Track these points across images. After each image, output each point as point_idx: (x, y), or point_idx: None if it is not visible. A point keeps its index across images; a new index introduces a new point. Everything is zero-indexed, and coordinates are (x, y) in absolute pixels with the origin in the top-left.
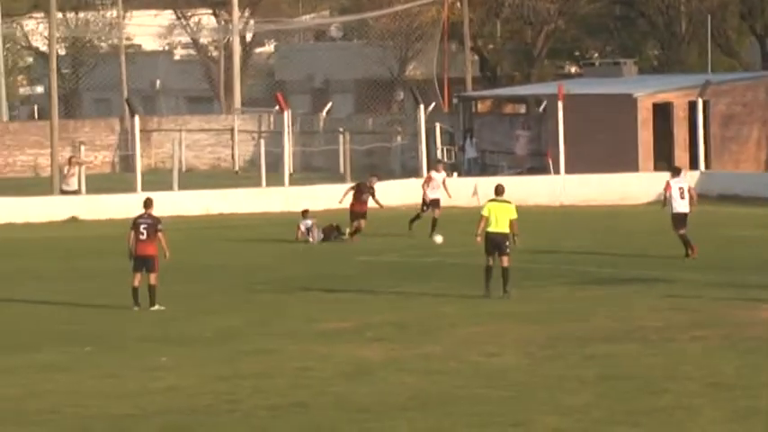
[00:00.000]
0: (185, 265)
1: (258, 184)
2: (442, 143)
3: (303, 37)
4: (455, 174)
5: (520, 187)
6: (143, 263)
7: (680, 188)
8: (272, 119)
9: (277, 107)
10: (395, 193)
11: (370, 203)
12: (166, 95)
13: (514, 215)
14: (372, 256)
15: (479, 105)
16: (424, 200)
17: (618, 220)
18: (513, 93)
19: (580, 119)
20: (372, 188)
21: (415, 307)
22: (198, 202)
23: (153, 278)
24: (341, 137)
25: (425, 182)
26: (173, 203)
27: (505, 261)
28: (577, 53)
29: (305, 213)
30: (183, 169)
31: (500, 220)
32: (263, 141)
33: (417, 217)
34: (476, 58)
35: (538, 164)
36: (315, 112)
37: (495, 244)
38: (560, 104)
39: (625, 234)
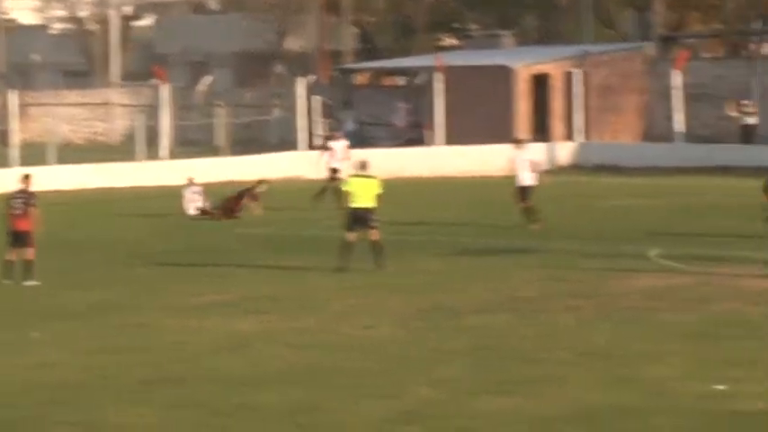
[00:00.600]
0: (61, 240)
1: (136, 159)
2: (321, 116)
3: (182, 10)
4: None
5: (398, 159)
6: (18, 238)
7: (524, 160)
8: (150, 93)
9: (156, 81)
10: (272, 166)
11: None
12: (44, 70)
13: (379, 190)
14: (249, 229)
15: (359, 78)
16: (330, 168)
17: (496, 192)
18: (392, 65)
19: (459, 91)
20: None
21: (291, 280)
22: (75, 177)
23: (30, 253)
24: (218, 110)
25: (326, 152)
26: (50, 178)
27: (374, 235)
28: (457, 25)
29: (190, 181)
30: (61, 143)
31: (363, 195)
32: (141, 115)
33: (323, 190)
34: (355, 30)
35: (417, 136)
36: (194, 85)
37: (357, 219)
38: (439, 76)
39: (503, 205)
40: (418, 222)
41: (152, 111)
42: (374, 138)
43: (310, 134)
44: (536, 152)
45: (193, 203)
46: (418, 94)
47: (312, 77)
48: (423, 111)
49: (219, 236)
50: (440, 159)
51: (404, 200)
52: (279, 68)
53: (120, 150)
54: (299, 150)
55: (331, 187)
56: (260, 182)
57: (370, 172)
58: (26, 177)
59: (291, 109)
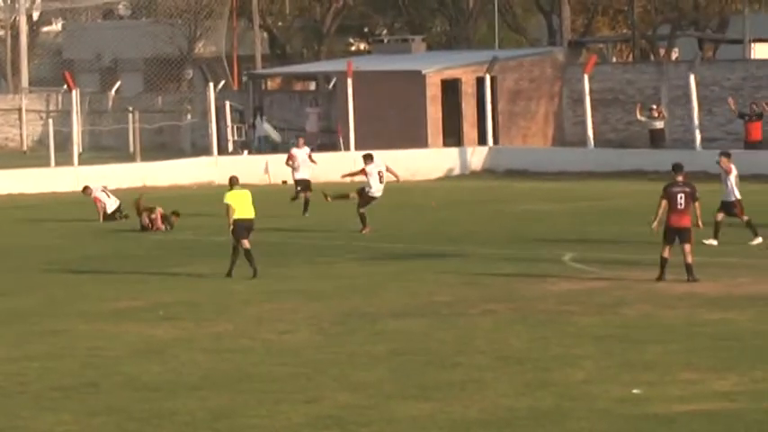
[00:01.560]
0: None
1: (47, 164)
2: (232, 121)
3: (91, 15)
4: (246, 152)
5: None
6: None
7: (378, 172)
8: (60, 98)
9: (65, 86)
10: (185, 172)
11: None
12: None
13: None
14: (165, 236)
15: (269, 83)
16: (295, 181)
17: (409, 196)
18: (302, 70)
19: (370, 95)
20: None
21: (207, 286)
22: None
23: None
24: (130, 116)
25: (288, 160)
26: None
27: (246, 244)
28: (366, 30)
29: (86, 190)
30: None
31: (245, 207)
32: (51, 121)
33: (294, 199)
34: (265, 35)
35: (329, 140)
36: (104, 90)
37: (245, 228)
38: (350, 81)
39: (416, 209)
40: (333, 229)
41: (63, 116)
42: (286, 143)
43: (221, 139)
44: (448, 156)
45: (109, 201)
46: (329, 99)
47: (223, 83)
48: (334, 116)
49: (134, 242)
50: (351, 164)
51: (318, 205)
52: (189, 74)
53: (32, 156)
54: (212, 156)
55: (303, 198)
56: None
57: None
58: None
59: (203, 114)
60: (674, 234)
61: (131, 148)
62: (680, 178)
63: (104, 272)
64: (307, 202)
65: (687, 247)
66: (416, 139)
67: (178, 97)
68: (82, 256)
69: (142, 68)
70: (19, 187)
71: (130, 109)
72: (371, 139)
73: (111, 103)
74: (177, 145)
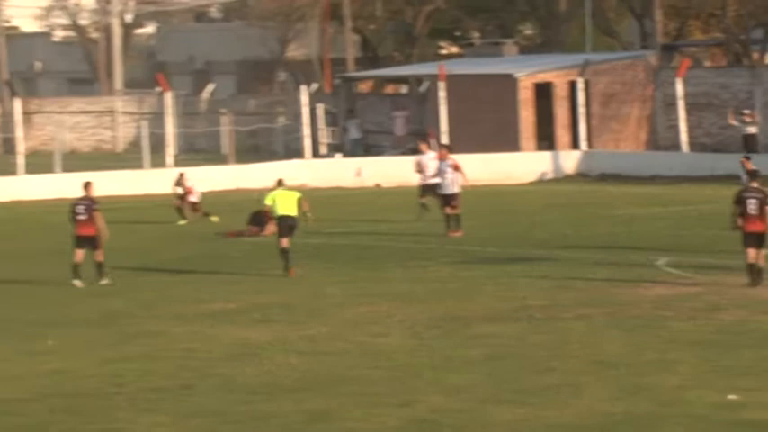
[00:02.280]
0: (69, 248)
1: (141, 166)
2: (325, 124)
3: (183, 18)
4: (338, 155)
5: (402, 167)
6: (83, 242)
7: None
8: (153, 100)
9: (159, 88)
10: (278, 175)
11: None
12: (46, 78)
13: (298, 195)
14: (257, 238)
15: (361, 86)
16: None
17: (502, 200)
18: (394, 73)
19: (462, 99)
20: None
21: (302, 288)
22: (81, 185)
23: (98, 255)
24: (223, 118)
25: (416, 168)
26: (55, 186)
27: (285, 243)
28: (458, 33)
29: (182, 177)
30: (66, 151)
31: (287, 205)
32: (144, 123)
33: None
34: (357, 38)
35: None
36: (196, 93)
37: (287, 226)
38: (442, 84)
39: (509, 214)
40: (426, 233)
41: (156, 118)
42: (378, 146)
43: (313, 142)
44: (541, 160)
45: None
46: (421, 103)
47: (315, 85)
48: (426, 119)
49: (228, 244)
50: None
51: (412, 208)
52: (282, 76)
53: (125, 158)
54: (305, 158)
55: (425, 204)
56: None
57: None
58: (87, 185)
59: (295, 117)
60: (751, 238)
61: (224, 151)
62: (754, 185)
63: (199, 273)
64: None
65: (759, 251)
66: (509, 143)
67: (270, 100)
68: (176, 258)
69: (234, 71)
70: (113, 189)
71: (223, 111)
72: (463, 142)
73: (203, 106)
74: (270, 147)
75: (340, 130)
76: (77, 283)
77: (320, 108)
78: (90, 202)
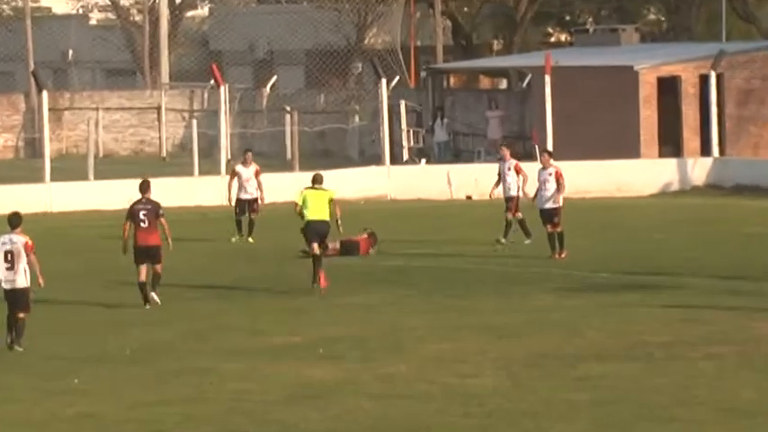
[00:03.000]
0: (105, 268)
1: (190, 173)
2: (407, 124)
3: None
4: (423, 160)
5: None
6: (146, 254)
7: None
8: (205, 95)
9: (212, 81)
10: (352, 184)
11: None
12: (80, 67)
13: (332, 197)
14: (328, 259)
15: (452, 79)
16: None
17: (617, 215)
18: (491, 64)
19: (572, 95)
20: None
21: (377, 319)
22: (118, 194)
23: (159, 269)
24: (287, 117)
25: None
26: (88, 196)
27: (316, 248)
28: (568, 18)
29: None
30: (101, 155)
31: (318, 207)
32: (195, 122)
33: (509, 226)
34: (447, 23)
35: (522, 149)
36: (257, 87)
37: (315, 231)
38: (548, 78)
39: (626, 231)
40: (528, 254)
41: (209, 117)
42: (470, 152)
43: (394, 145)
44: (665, 169)
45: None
46: (522, 100)
47: (396, 79)
48: (529, 119)
49: (294, 265)
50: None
51: (582, 225)
52: (358, 68)
53: (172, 163)
54: (383, 165)
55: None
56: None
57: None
58: (146, 185)
59: (373, 116)
60: None
61: (288, 155)
62: None
63: (256, 298)
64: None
65: None
66: (626, 148)
67: (344, 96)
68: (232, 281)
69: (302, 61)
70: (158, 199)
71: (288, 109)
72: (572, 147)
73: (265, 102)
74: (342, 152)
75: (426, 131)
76: (148, 307)
77: (403, 105)
78: (154, 206)
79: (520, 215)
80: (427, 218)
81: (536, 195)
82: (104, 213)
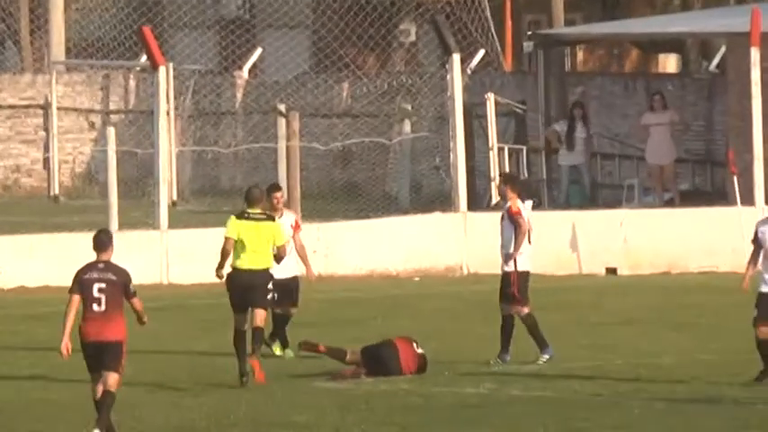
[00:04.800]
0: None
1: (103, 224)
2: (499, 138)
3: None
4: (529, 202)
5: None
6: (99, 354)
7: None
8: (131, 84)
9: (143, 58)
10: (400, 247)
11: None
12: None
13: (276, 228)
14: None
15: (580, 56)
16: None
17: None
18: (650, 29)
19: None
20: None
21: None
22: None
23: (112, 382)
24: (281, 123)
25: None
26: None
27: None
28: None
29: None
30: None
31: (255, 247)
32: (111, 131)
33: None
34: None
35: (704, 181)
36: (225, 68)
37: (247, 287)
38: (755, 53)
39: None
40: None
41: (136, 123)
42: (612, 185)
43: (476, 176)
44: None
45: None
46: (710, 93)
47: (480, 55)
48: (719, 127)
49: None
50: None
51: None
52: (409, 35)
53: (70, 207)
54: (459, 211)
55: None
56: None
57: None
58: (106, 238)
59: (437, 122)
60: None
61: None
62: None
63: None
64: None
65: None
66: None
67: (384, 86)
68: None
69: (307, 23)
70: (44, 272)
71: (282, 109)
72: None
73: (240, 96)
74: (381, 187)
75: (533, 149)
76: None
77: (492, 103)
78: (120, 277)
79: None
80: (539, 309)
81: None
82: None
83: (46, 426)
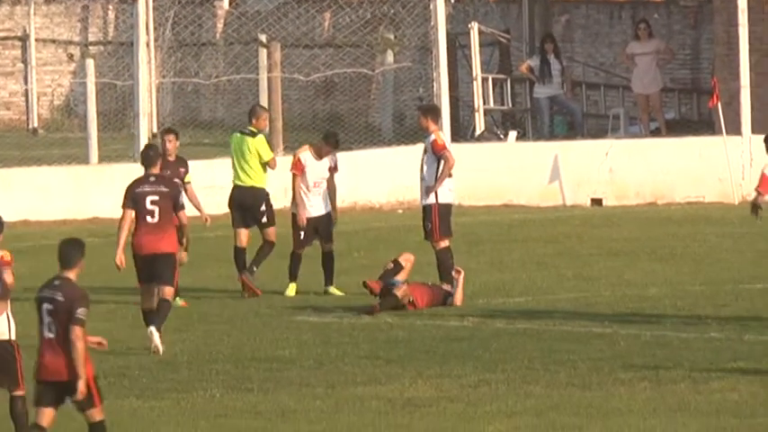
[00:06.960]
0: None
1: (83, 160)
2: (483, 68)
3: None
4: (513, 133)
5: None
6: (152, 266)
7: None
8: (110, 15)
9: None
10: (384, 178)
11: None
12: None
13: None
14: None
15: None
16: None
17: None
18: None
19: None
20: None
21: (417, 426)
22: None
23: (167, 292)
24: (262, 53)
25: None
26: None
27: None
28: None
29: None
30: None
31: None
32: (90, 63)
33: None
34: None
35: (690, 110)
36: None
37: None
38: None
39: None
40: None
41: (116, 55)
42: (598, 115)
43: (458, 108)
44: None
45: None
46: (696, 22)
47: None
48: (707, 57)
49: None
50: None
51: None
52: None
53: (49, 140)
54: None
55: None
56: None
57: None
58: (153, 152)
59: (420, 52)
60: None
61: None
62: None
63: None
64: None
65: None
66: None
67: (367, 15)
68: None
69: None
70: (24, 206)
71: (263, 39)
72: None
73: (221, 27)
74: (364, 118)
75: (518, 78)
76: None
77: (475, 32)
78: (171, 189)
79: None
80: (523, 241)
81: None
82: None
83: None
